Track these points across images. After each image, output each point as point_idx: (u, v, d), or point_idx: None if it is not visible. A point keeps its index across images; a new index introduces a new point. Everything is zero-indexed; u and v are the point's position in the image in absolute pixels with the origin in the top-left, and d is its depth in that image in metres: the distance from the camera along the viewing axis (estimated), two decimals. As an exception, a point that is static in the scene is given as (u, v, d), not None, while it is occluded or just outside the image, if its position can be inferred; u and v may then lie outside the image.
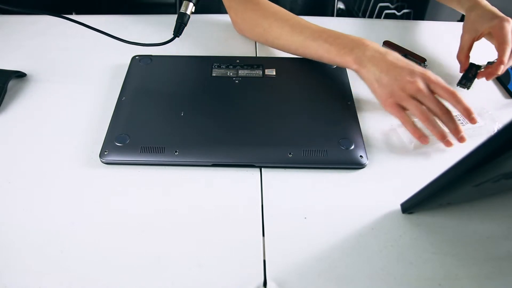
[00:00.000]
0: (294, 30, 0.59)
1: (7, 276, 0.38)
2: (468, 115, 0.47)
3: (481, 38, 0.60)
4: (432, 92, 0.48)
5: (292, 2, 0.87)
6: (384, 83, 0.50)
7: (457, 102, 0.47)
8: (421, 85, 0.48)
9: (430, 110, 0.48)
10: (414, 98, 0.48)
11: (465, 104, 0.47)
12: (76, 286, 0.37)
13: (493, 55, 0.66)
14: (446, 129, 0.48)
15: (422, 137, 0.48)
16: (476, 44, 0.61)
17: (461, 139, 0.47)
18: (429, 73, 0.49)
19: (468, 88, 0.60)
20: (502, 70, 0.54)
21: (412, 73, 0.49)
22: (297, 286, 0.37)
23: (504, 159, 0.28)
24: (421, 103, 0.48)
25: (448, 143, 0.48)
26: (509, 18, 0.57)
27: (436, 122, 0.48)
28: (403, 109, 0.50)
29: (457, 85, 0.60)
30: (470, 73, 0.61)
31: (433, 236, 0.41)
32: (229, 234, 0.41)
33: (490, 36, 0.60)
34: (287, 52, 0.63)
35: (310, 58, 0.60)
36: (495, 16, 0.58)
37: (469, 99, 0.47)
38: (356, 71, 0.54)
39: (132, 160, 0.47)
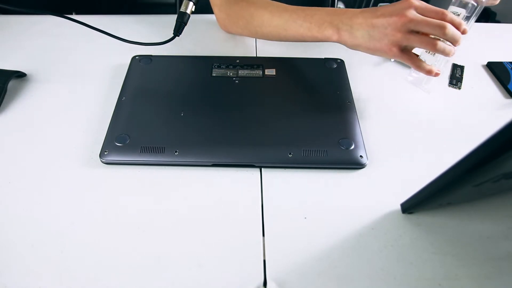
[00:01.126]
0: (274, 15, 0.59)
1: (7, 276, 0.38)
2: (460, 27, 0.48)
3: None
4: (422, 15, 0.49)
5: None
6: (378, 38, 0.50)
7: (447, 19, 0.48)
8: (410, 14, 0.48)
9: (431, 32, 0.48)
10: (411, 31, 0.49)
11: (456, 19, 0.48)
12: (76, 286, 0.37)
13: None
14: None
15: (434, 72, 0.51)
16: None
17: (464, 31, 0.48)
18: (411, 1, 0.49)
19: (460, 88, 0.60)
20: None
21: (395, 11, 0.49)
22: (297, 286, 0.37)
23: (504, 159, 0.28)
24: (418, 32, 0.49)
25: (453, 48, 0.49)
26: None
27: (442, 43, 0.48)
28: (409, 51, 0.51)
29: (449, 85, 0.61)
30: (456, 73, 0.62)
31: (433, 236, 0.41)
32: (229, 234, 0.41)
33: None
34: (272, 39, 0.63)
35: (295, 40, 0.60)
36: None
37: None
38: (342, 43, 0.54)
39: (132, 160, 0.47)
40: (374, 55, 0.54)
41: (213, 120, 0.51)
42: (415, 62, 0.51)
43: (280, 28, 0.59)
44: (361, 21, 0.51)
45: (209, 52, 0.66)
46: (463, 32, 0.48)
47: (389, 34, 0.49)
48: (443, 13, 0.48)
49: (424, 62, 0.51)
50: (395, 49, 0.50)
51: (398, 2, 0.50)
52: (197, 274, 0.38)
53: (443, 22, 0.47)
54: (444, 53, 0.49)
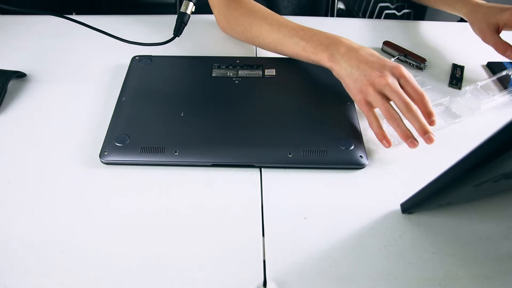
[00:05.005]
0: (273, 28, 0.60)
1: (7, 276, 0.38)
2: (429, 117, 0.46)
3: (501, 30, 0.60)
4: (402, 87, 0.48)
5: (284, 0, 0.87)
6: (355, 79, 0.50)
7: (423, 103, 0.47)
8: (390, 79, 0.47)
9: (397, 106, 0.47)
10: (382, 93, 0.48)
11: (429, 107, 0.46)
12: (76, 286, 0.37)
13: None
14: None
15: (384, 140, 0.49)
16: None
17: (428, 139, 0.45)
18: (401, 68, 0.48)
19: (460, 88, 0.60)
20: None
21: (382, 67, 0.48)
22: (297, 286, 0.37)
23: (504, 159, 0.28)
24: (388, 98, 0.48)
25: (412, 144, 0.47)
26: None
27: (401, 121, 0.47)
28: (372, 106, 0.50)
29: (449, 85, 0.61)
30: (456, 73, 0.62)
31: (433, 236, 0.41)
32: (229, 234, 0.41)
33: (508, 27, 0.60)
34: (267, 50, 0.63)
35: (288, 56, 0.60)
36: (503, 8, 0.58)
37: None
38: (330, 68, 0.54)
39: (132, 160, 0.47)
40: (348, 92, 0.53)
41: (213, 120, 0.51)
42: (370, 118, 0.50)
43: (277, 42, 0.59)
44: (353, 54, 0.51)
45: (209, 52, 0.66)
46: (430, 123, 0.46)
47: (363, 82, 0.49)
48: (422, 95, 0.47)
49: (378, 122, 0.49)
50: (360, 97, 0.50)
51: (391, 62, 0.49)
52: (197, 274, 0.38)
53: (411, 103, 0.46)
54: (396, 130, 0.47)
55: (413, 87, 0.47)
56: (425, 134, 0.45)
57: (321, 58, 0.54)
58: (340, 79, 0.53)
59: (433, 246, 0.40)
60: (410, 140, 0.47)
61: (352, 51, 0.51)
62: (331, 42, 0.53)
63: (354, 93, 0.51)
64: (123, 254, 0.40)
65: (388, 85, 0.47)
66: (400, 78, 0.48)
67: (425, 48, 0.69)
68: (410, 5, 1.20)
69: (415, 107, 0.46)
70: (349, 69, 0.50)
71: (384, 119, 0.49)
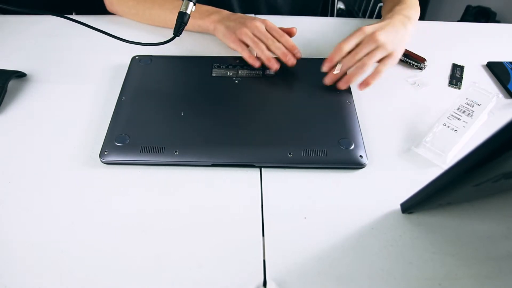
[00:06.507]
0: (155, 4, 0.69)
1: (7, 276, 0.38)
2: (293, 49, 0.59)
3: None
4: (268, 32, 0.61)
5: None
6: (232, 27, 0.62)
7: (285, 40, 0.60)
8: (258, 24, 0.60)
9: (264, 42, 0.60)
10: (252, 34, 0.60)
11: (290, 42, 0.60)
12: (76, 286, 0.37)
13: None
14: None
15: (253, 60, 0.59)
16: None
17: (289, 61, 0.58)
18: (268, 21, 0.62)
19: (460, 88, 0.60)
20: (327, 67, 0.56)
21: (252, 18, 0.62)
22: (297, 286, 0.37)
23: (504, 159, 0.28)
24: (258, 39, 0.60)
25: (273, 65, 0.58)
26: (369, 27, 0.57)
27: (264, 49, 0.59)
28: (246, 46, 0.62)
29: (449, 85, 0.61)
30: (456, 73, 0.62)
31: (433, 236, 0.41)
32: (229, 234, 0.41)
33: None
34: (156, 26, 0.71)
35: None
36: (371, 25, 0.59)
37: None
38: (213, 30, 0.66)
39: (132, 160, 0.47)
40: (225, 41, 0.64)
41: (213, 120, 0.51)
42: (242, 48, 0.61)
43: (162, 17, 0.69)
44: (231, 15, 0.65)
45: (209, 52, 0.66)
46: (296, 54, 0.59)
47: (238, 27, 0.61)
48: (283, 35, 0.60)
49: (249, 51, 0.60)
50: (234, 37, 0.62)
51: (252, 17, 0.63)
52: (197, 274, 0.38)
53: (274, 39, 0.59)
54: (261, 55, 0.59)
55: (276, 31, 0.61)
56: (286, 57, 0.58)
57: (209, 20, 0.66)
58: (220, 35, 0.65)
59: (433, 246, 0.40)
60: (271, 62, 0.58)
61: (230, 14, 0.66)
62: (214, 11, 0.67)
63: (229, 36, 0.62)
64: (123, 254, 0.40)
65: (257, 27, 0.60)
66: (266, 26, 0.61)
67: (425, 48, 0.68)
68: (410, 5, 1.20)
69: (278, 43, 0.59)
70: (228, 23, 0.63)
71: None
